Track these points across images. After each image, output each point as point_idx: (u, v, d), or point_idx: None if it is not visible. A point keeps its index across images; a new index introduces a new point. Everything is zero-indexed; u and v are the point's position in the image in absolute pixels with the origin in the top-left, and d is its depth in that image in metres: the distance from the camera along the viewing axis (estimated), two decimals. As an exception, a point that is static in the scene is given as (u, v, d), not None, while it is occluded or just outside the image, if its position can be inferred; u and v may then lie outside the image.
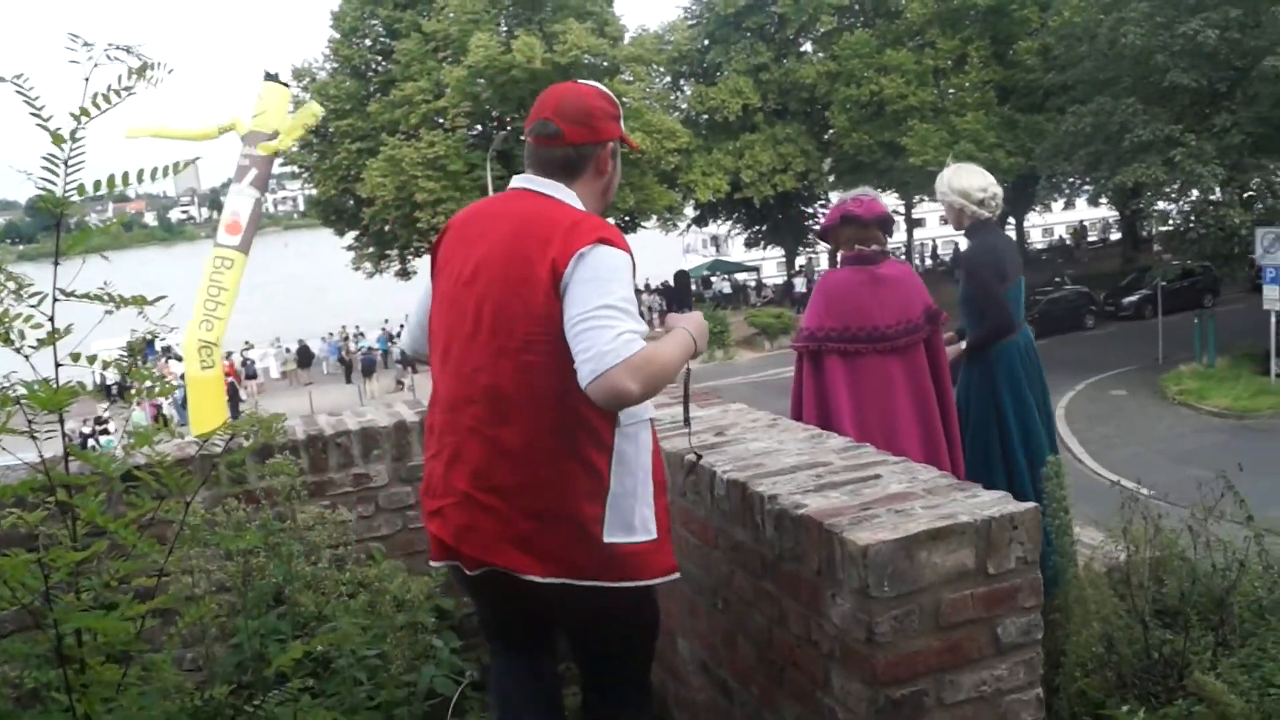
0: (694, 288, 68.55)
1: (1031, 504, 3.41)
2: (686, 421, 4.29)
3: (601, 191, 3.77)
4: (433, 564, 3.90)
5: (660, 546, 3.63)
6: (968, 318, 6.67)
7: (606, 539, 3.50)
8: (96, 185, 3.21)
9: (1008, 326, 6.58)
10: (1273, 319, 36.23)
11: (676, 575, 3.72)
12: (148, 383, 3.65)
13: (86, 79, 2.94)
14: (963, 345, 6.60)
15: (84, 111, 3.03)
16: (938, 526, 3.27)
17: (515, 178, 3.81)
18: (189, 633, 4.50)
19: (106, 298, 3.33)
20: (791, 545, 3.61)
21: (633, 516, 3.54)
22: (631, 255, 3.51)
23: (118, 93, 3.07)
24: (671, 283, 4.46)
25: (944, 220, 7.01)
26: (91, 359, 3.44)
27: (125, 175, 3.28)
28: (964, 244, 7.08)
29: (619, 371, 3.19)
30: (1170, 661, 5.07)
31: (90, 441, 36.89)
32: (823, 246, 66.70)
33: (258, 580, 4.85)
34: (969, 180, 6.65)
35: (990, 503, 3.43)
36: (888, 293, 6.17)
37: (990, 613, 3.34)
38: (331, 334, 62.05)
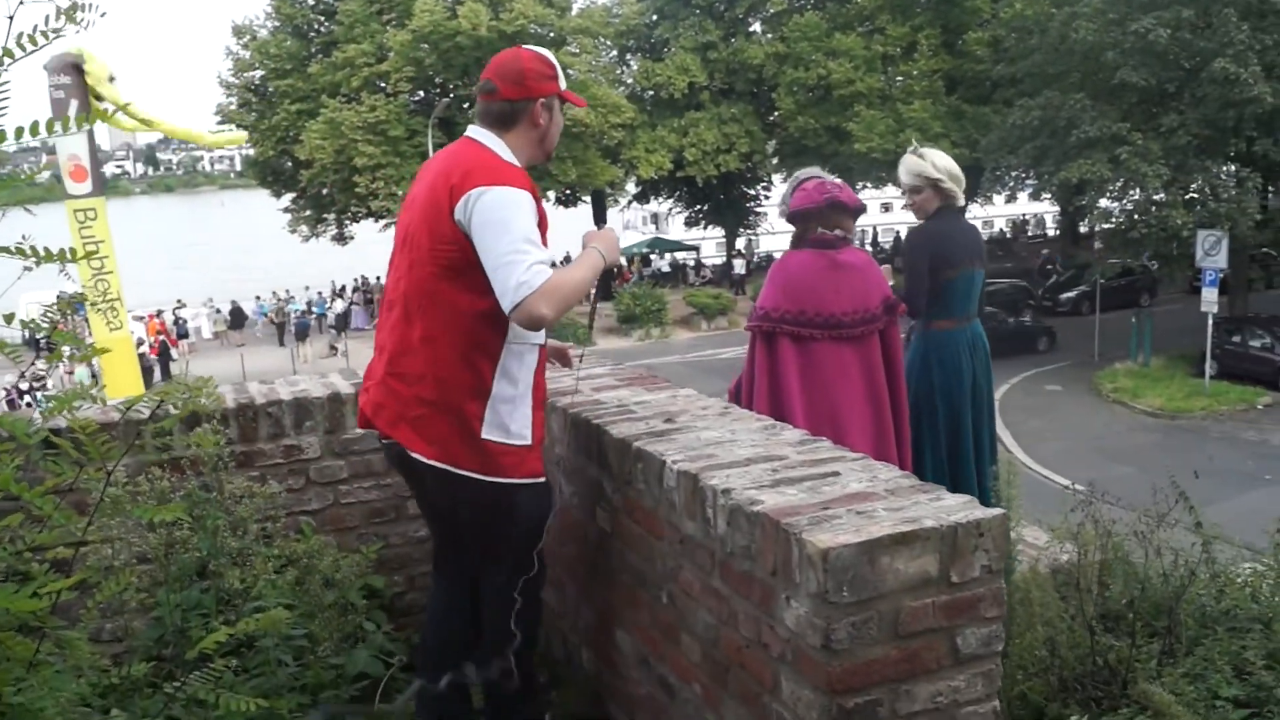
0: (632, 267, 68.49)
1: (999, 510, 3.27)
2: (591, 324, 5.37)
3: (538, 141, 4.33)
4: (357, 429, 4.78)
5: (533, 453, 4.26)
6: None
7: (484, 435, 4.13)
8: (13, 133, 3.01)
9: (914, 309, 6.59)
10: (1209, 321, 36.54)
11: (543, 479, 4.33)
12: (65, 346, 3.46)
13: (11, 18, 2.73)
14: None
15: (7, 53, 2.82)
16: (902, 531, 3.12)
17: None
18: (109, 604, 4.32)
19: (30, 251, 3.13)
20: (745, 543, 3.45)
21: (510, 421, 4.17)
22: (532, 191, 4.07)
23: (45, 34, 2.86)
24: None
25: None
26: (9, 317, 3.25)
27: (35, 125, 3.07)
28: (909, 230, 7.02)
29: (533, 300, 3.82)
30: (1114, 668, 4.99)
31: (27, 398, 36.51)
32: (764, 228, 66.87)
33: (180, 554, 4.68)
34: (949, 161, 6.59)
35: (956, 507, 3.29)
36: (847, 280, 6.05)
37: (951, 622, 3.20)
38: (259, 297, 61.41)
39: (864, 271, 6.13)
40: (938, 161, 6.58)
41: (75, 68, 14.87)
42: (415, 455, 4.18)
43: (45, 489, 3.34)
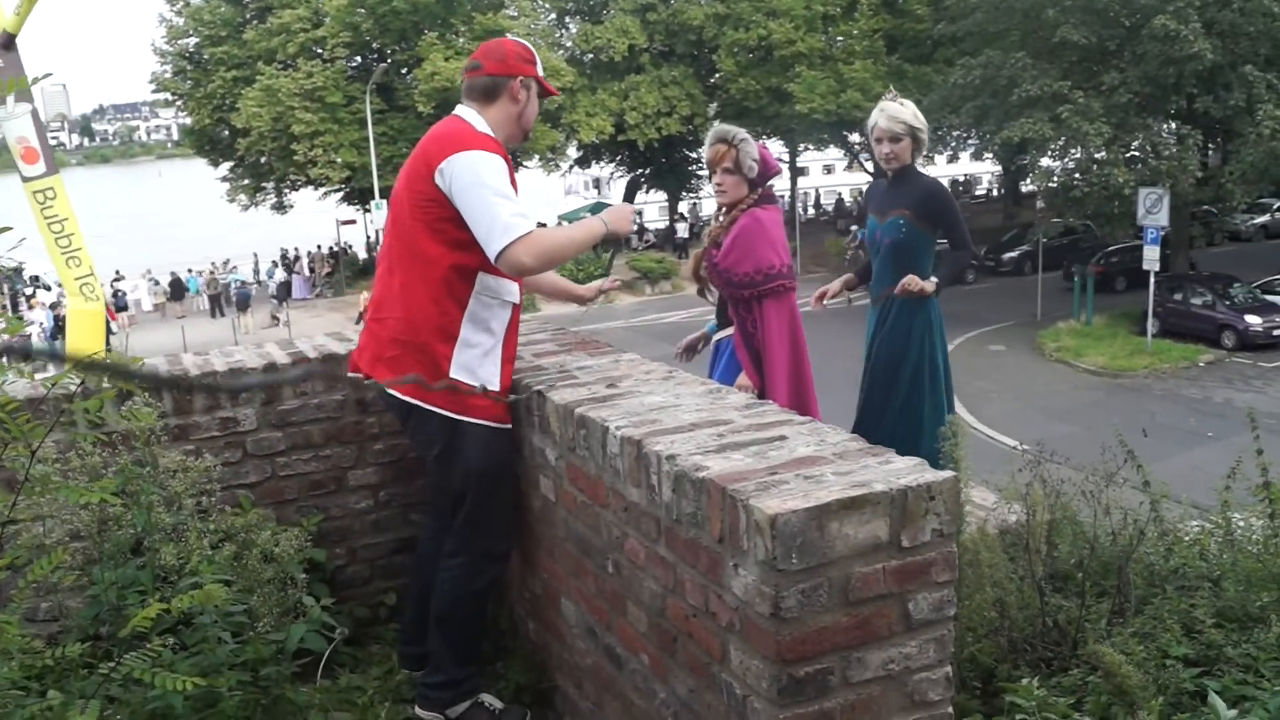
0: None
1: (949, 473, 3.20)
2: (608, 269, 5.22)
3: (516, 117, 4.72)
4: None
5: (500, 403, 4.60)
6: (908, 261, 6.53)
7: (452, 375, 4.49)
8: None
9: (967, 263, 6.85)
10: (1151, 279, 36.74)
11: (508, 427, 4.69)
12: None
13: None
14: (930, 285, 6.45)
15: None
16: (851, 495, 3.04)
17: None
18: (43, 583, 4.21)
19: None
20: (691, 510, 3.37)
21: (478, 366, 4.56)
22: (505, 158, 4.49)
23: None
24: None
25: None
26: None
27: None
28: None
29: (515, 248, 4.25)
30: (1064, 629, 4.97)
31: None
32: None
33: (114, 530, 4.57)
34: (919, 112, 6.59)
35: (905, 470, 3.22)
36: None
37: (902, 588, 3.14)
38: (191, 270, 60.79)
39: None
40: (917, 112, 6.54)
41: (4, 44, 14.60)
42: (391, 391, 4.60)
43: (-33, 467, 3.26)
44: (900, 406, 6.56)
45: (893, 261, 6.56)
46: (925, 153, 6.68)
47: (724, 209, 6.38)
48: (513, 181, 4.47)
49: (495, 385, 4.58)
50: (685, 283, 46.27)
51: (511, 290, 4.67)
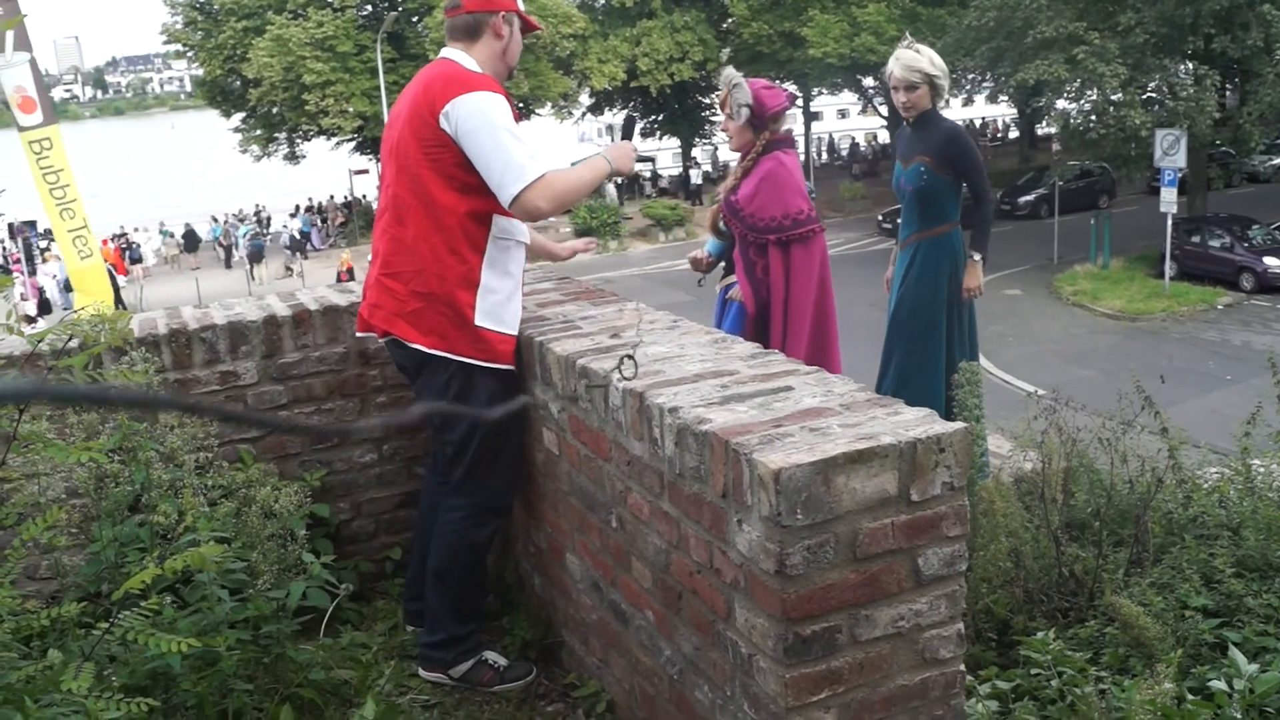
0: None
1: (960, 424, 3.10)
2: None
3: (501, 54, 4.64)
4: (358, 334, 4.91)
5: (514, 342, 4.59)
6: (932, 208, 6.49)
7: (478, 323, 4.45)
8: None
9: (990, 206, 6.86)
10: (1168, 222, 36.50)
11: (513, 368, 4.60)
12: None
13: None
14: (979, 275, 6.48)
15: None
16: (858, 448, 2.95)
17: None
18: (39, 541, 4.14)
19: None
20: (694, 464, 3.28)
21: (503, 311, 4.52)
22: (506, 96, 4.41)
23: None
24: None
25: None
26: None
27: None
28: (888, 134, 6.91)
29: (529, 193, 4.23)
30: (1081, 579, 4.90)
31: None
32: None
33: (112, 488, 4.52)
34: (939, 58, 6.51)
35: (914, 422, 3.12)
36: None
37: (912, 543, 3.05)
38: (215, 219, 60.86)
39: None
40: (935, 58, 6.46)
41: None
42: (414, 345, 4.48)
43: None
44: (925, 351, 6.52)
45: (918, 208, 6.55)
46: (945, 98, 6.60)
47: (740, 155, 6.29)
48: (515, 118, 4.42)
49: (515, 329, 4.57)
50: (699, 230, 46.19)
51: (523, 230, 4.67)
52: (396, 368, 4.94)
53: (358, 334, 4.84)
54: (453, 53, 4.58)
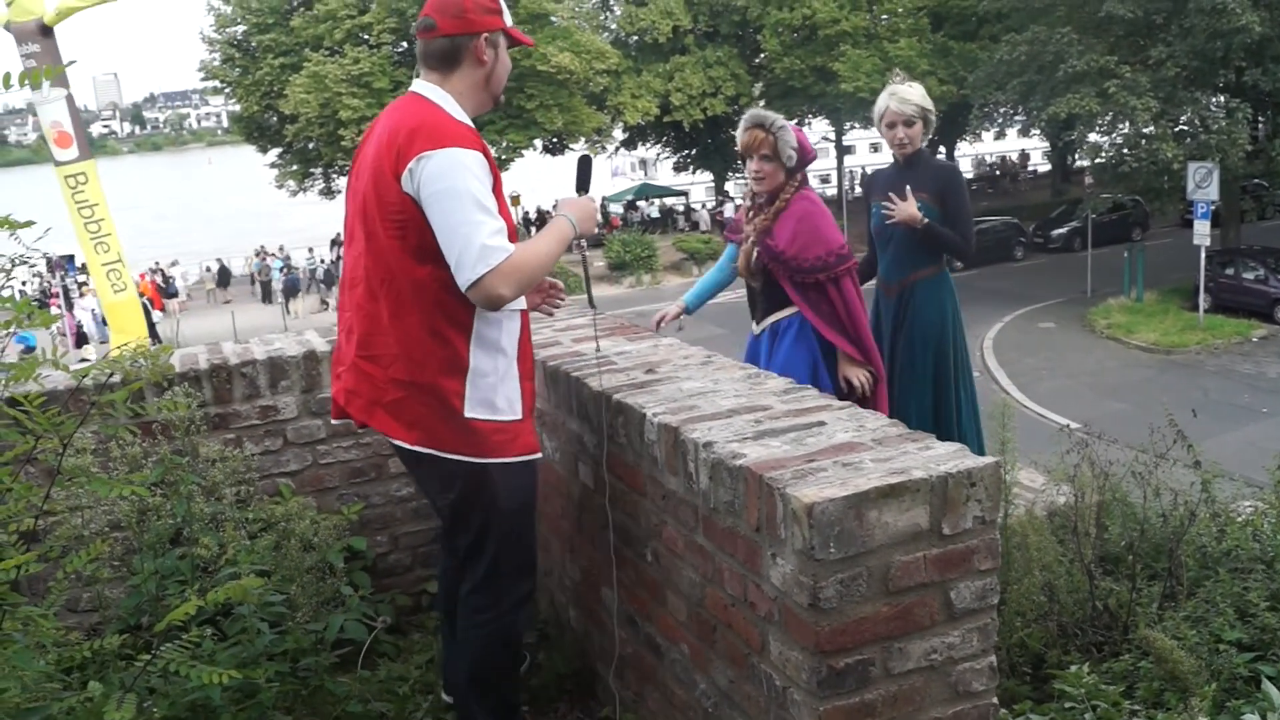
0: (620, 211, 68.22)
1: (991, 459, 3.13)
2: (591, 303, 4.57)
3: (484, 82, 3.99)
4: (333, 420, 4.33)
5: (524, 426, 3.99)
6: (932, 245, 6.47)
7: (467, 414, 3.85)
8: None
9: (971, 255, 6.72)
10: (1202, 254, 36.41)
11: (539, 455, 4.07)
12: (23, 314, 3.33)
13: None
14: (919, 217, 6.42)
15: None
16: (890, 483, 2.98)
17: None
18: (84, 573, 4.20)
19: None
20: (728, 498, 3.32)
21: (495, 395, 3.89)
22: (482, 150, 3.78)
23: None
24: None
25: (874, 149, 6.80)
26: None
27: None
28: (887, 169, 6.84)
29: (491, 279, 3.58)
30: (1115, 613, 4.91)
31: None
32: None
33: (154, 521, 4.58)
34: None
35: (946, 457, 3.16)
36: None
37: (944, 576, 3.08)
38: (257, 253, 61.27)
39: None
40: (925, 93, 6.46)
41: (41, 31, 14.68)
42: (396, 442, 3.98)
43: (4, 460, 3.25)
44: (941, 386, 6.50)
45: (912, 247, 6.47)
46: (931, 134, 6.60)
47: (762, 196, 6.23)
48: (494, 173, 3.82)
49: (517, 412, 3.96)
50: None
51: (520, 298, 3.98)
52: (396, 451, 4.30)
53: (333, 420, 4.31)
54: (425, 87, 3.94)
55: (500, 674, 4.18)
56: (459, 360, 3.84)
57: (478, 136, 3.84)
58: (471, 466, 3.89)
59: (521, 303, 4.03)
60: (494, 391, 3.89)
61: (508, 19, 4.03)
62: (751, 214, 6.16)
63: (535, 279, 3.80)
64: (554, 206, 4.28)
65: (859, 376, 5.99)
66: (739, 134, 6.04)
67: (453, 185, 3.64)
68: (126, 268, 15.35)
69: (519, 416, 3.96)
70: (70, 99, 15.78)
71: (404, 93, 4.05)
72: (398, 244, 3.78)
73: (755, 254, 6.09)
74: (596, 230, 4.24)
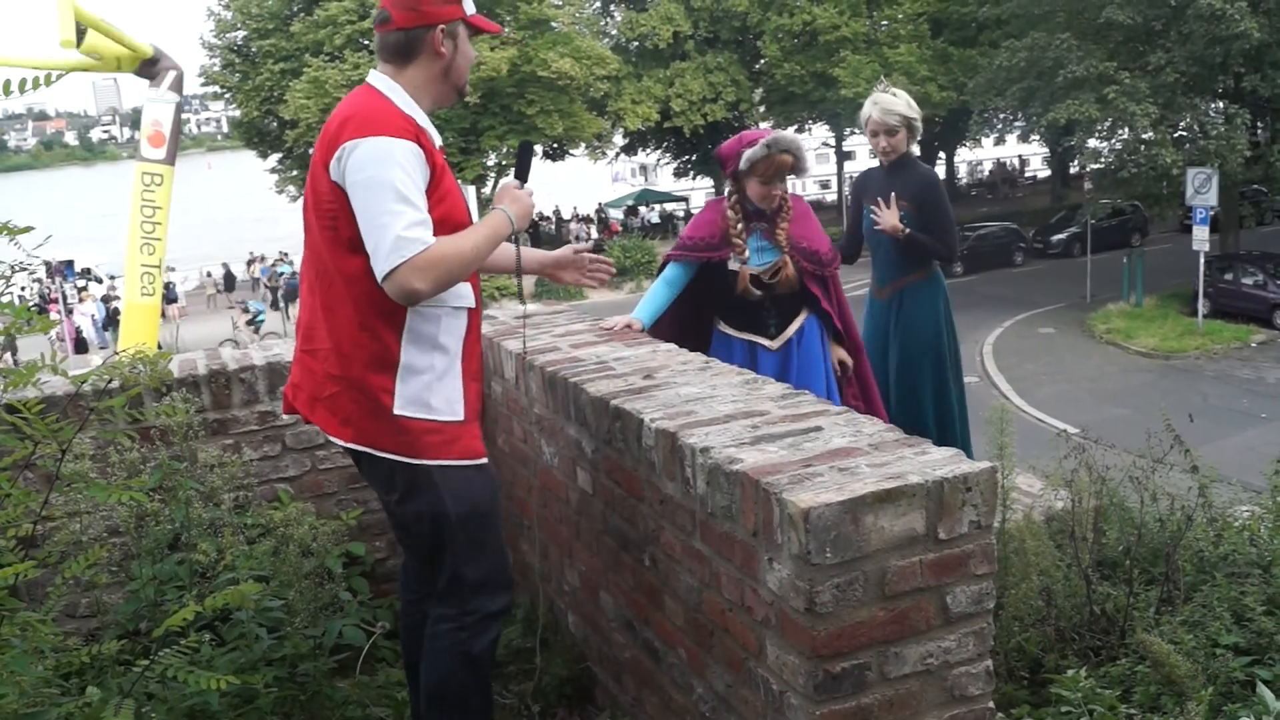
0: (621, 216, 68.24)
1: (987, 464, 3.15)
2: (521, 300, 4.47)
3: (441, 74, 3.82)
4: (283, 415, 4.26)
5: (466, 429, 3.80)
6: (917, 250, 6.47)
7: (397, 411, 3.67)
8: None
9: (954, 259, 6.81)
10: (1201, 260, 36.42)
11: (483, 460, 3.85)
12: (20, 319, 3.34)
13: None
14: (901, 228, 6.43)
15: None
16: (886, 488, 2.99)
17: None
18: (82, 579, 4.22)
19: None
20: (725, 503, 3.33)
21: (430, 394, 3.71)
22: (418, 138, 3.61)
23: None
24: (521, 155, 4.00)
25: (874, 154, 6.77)
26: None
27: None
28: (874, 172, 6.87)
29: (404, 272, 3.43)
30: (1112, 618, 4.91)
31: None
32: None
33: (152, 526, 4.59)
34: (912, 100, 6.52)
35: (941, 461, 3.17)
36: None
37: (940, 581, 3.09)
38: (263, 258, 61.30)
39: None
40: (911, 101, 6.50)
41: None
42: (332, 438, 3.82)
43: (2, 465, 3.26)
44: (935, 391, 6.53)
45: (900, 252, 6.51)
46: (918, 138, 6.64)
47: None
48: (434, 164, 3.68)
49: (458, 414, 3.78)
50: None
51: (461, 292, 3.81)
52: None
53: (283, 414, 4.22)
54: (377, 79, 3.79)
55: (463, 693, 3.95)
56: (389, 355, 3.68)
57: (413, 126, 3.65)
58: (408, 467, 3.73)
59: (469, 300, 3.85)
60: (428, 390, 3.72)
61: (468, 7, 3.84)
62: (741, 230, 5.91)
63: (458, 274, 3.62)
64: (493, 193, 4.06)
65: (843, 355, 6.11)
66: (764, 156, 5.75)
67: (375, 174, 3.50)
68: (161, 276, 15.42)
69: (459, 418, 3.79)
70: (180, 106, 16.05)
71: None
72: (330, 235, 3.66)
73: (789, 263, 5.93)
74: (587, 242, 3.95)
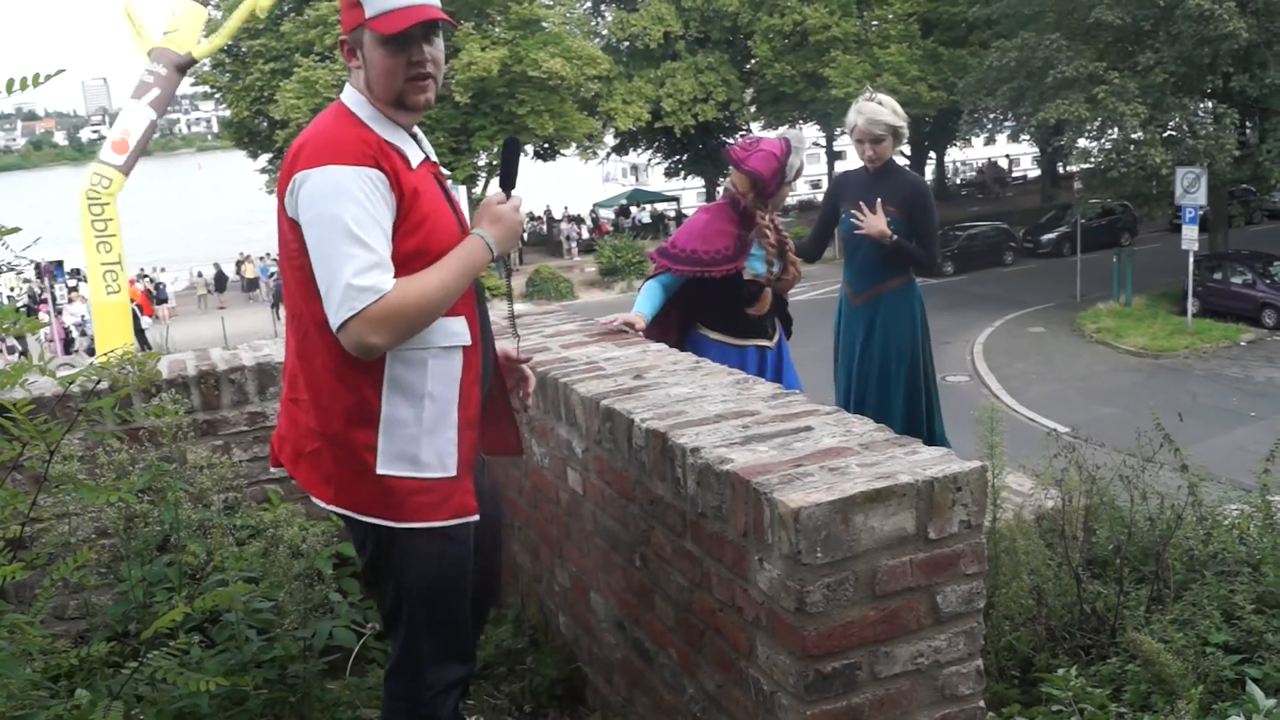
0: (612, 216, 68.21)
1: (977, 463, 3.15)
2: (512, 321, 4.09)
3: (365, 86, 3.35)
4: (271, 468, 3.85)
5: (460, 485, 3.39)
6: (899, 256, 6.47)
7: (380, 470, 3.27)
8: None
9: (936, 269, 6.74)
10: (1190, 259, 36.48)
11: (474, 518, 3.43)
12: (7, 320, 3.33)
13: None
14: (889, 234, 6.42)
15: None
16: (876, 488, 3.00)
17: None
18: (70, 581, 4.21)
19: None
20: (715, 503, 3.33)
21: (418, 449, 3.30)
22: (376, 162, 3.18)
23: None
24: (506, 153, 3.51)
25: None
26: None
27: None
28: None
29: (355, 326, 3.06)
30: (1102, 616, 4.92)
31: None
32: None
33: (141, 527, 4.57)
34: (898, 106, 6.51)
35: (931, 461, 3.17)
36: None
37: (930, 580, 3.09)
38: (261, 257, 61.20)
39: None
40: (897, 108, 6.48)
41: (179, 68, 14.97)
42: (315, 500, 3.41)
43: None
44: (908, 397, 6.54)
45: (880, 258, 6.50)
46: (906, 141, 6.65)
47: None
48: (405, 193, 3.25)
49: (449, 469, 3.36)
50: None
51: (451, 330, 3.38)
52: None
53: (271, 467, 3.84)
54: (347, 92, 3.41)
55: None
56: (369, 408, 3.28)
57: (376, 148, 3.24)
58: (380, 529, 3.34)
59: (462, 337, 3.41)
60: (415, 444, 3.30)
61: (368, 10, 3.26)
62: (776, 245, 6.06)
63: (422, 321, 3.21)
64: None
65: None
66: (794, 167, 5.92)
67: (324, 211, 3.12)
68: (124, 271, 15.44)
69: (451, 474, 3.37)
70: (154, 124, 16.07)
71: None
72: (299, 276, 3.27)
73: (797, 262, 6.11)
74: (523, 237, 3.54)
